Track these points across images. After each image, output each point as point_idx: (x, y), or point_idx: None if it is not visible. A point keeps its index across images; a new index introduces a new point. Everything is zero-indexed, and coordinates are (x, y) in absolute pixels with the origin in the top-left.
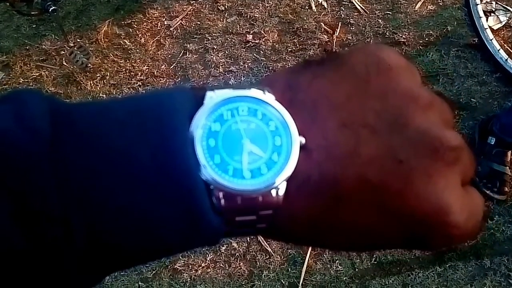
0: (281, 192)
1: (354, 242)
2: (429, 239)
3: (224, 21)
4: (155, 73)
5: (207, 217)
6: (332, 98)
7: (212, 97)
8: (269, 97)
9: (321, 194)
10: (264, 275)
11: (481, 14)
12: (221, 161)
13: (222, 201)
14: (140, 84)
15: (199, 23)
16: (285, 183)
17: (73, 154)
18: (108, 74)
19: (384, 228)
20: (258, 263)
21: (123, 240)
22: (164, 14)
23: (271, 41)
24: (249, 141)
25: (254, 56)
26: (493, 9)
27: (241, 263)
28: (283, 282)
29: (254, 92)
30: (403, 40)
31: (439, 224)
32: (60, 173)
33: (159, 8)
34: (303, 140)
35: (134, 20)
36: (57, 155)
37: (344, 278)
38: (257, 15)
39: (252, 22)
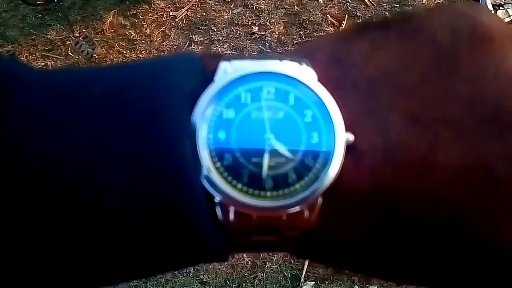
0: (315, 210)
1: (415, 278)
2: None
3: (230, 13)
4: None
5: (206, 236)
6: (399, 78)
7: (227, 71)
8: (307, 74)
9: (373, 214)
10: (267, 267)
11: (490, 7)
12: (233, 162)
13: (231, 217)
14: None
15: (204, 14)
16: (320, 198)
17: (13, 135)
18: None
19: (463, 268)
20: (261, 254)
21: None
22: (169, 5)
23: (277, 33)
24: (274, 137)
25: (260, 48)
26: (502, 3)
27: (244, 255)
28: (286, 274)
29: (287, 66)
30: None
31: None
32: None
33: None
34: (351, 138)
35: (139, 10)
36: None
37: (347, 271)
38: (263, 7)
39: (258, 14)
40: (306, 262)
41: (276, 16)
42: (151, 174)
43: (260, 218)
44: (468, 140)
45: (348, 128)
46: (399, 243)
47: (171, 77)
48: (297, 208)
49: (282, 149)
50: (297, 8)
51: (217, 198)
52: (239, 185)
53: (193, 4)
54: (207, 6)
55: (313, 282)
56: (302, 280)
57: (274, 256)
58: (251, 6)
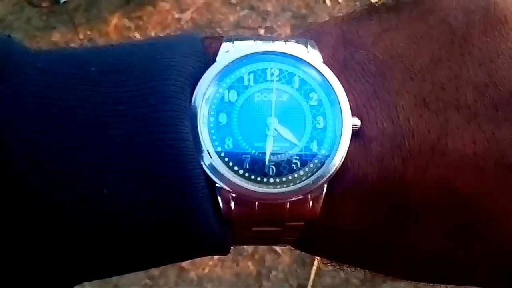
0: (319, 199)
1: (421, 272)
2: None
3: (236, 15)
4: None
5: (205, 225)
6: (409, 61)
7: (229, 51)
8: (313, 56)
9: (380, 205)
10: (272, 276)
11: None
12: (234, 147)
13: (232, 206)
14: None
15: (210, 16)
16: (325, 186)
17: (10, 114)
18: None
19: (472, 260)
20: (266, 263)
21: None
22: (174, 7)
23: (283, 36)
24: (277, 121)
25: None
26: None
27: (249, 263)
28: (292, 284)
29: (292, 48)
30: None
31: None
32: None
33: (169, 1)
34: (358, 123)
35: (144, 12)
36: None
37: (355, 281)
38: (269, 9)
39: (264, 16)
40: (313, 272)
41: (283, 19)
42: (148, 156)
43: (262, 206)
44: (479, 126)
45: (355, 113)
46: (408, 235)
47: (170, 57)
48: (300, 196)
49: (286, 133)
50: (304, 10)
51: (218, 184)
52: (241, 171)
53: (198, 6)
54: (212, 8)
55: None
56: None
57: (280, 265)
58: (258, 9)
